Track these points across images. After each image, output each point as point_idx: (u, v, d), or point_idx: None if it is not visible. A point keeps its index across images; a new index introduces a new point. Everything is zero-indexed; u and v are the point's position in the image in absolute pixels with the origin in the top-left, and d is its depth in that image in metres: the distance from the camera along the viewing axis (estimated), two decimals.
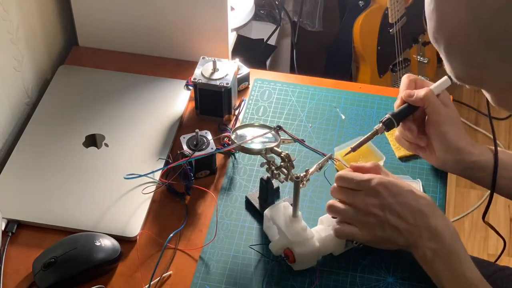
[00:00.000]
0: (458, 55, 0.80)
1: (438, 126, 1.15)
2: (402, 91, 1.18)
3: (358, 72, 2.19)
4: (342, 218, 1.10)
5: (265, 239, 1.16)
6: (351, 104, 1.38)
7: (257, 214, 1.20)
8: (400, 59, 2.20)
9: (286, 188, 1.23)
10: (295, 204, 1.09)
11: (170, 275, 1.12)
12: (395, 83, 2.22)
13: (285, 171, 1.10)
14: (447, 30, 0.79)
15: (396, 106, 1.19)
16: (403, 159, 1.28)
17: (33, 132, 1.31)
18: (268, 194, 1.19)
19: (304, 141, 1.30)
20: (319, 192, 1.23)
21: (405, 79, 1.19)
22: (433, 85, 1.18)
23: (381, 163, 1.24)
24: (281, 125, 1.21)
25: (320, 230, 1.12)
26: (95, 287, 1.09)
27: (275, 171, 1.12)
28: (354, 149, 1.16)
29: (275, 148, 1.12)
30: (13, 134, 1.34)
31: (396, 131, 1.22)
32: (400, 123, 1.18)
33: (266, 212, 1.13)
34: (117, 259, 1.12)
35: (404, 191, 1.07)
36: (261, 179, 1.18)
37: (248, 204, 1.21)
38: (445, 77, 1.16)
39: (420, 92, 1.15)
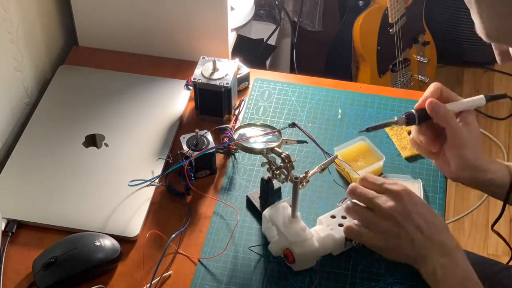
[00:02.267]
0: (486, 3, 0.82)
1: (456, 148, 1.13)
2: (426, 98, 1.13)
3: (358, 72, 2.19)
4: (359, 218, 1.09)
5: (265, 239, 1.16)
6: (351, 104, 1.38)
7: (257, 214, 1.20)
8: (400, 59, 2.20)
9: (286, 188, 1.22)
10: (294, 205, 1.09)
11: (170, 275, 1.12)
12: (395, 83, 2.22)
13: (285, 171, 1.10)
14: None
15: (416, 108, 1.15)
16: (409, 158, 1.28)
17: (33, 132, 1.31)
18: (269, 194, 1.18)
19: (307, 142, 1.28)
20: (319, 192, 1.23)
21: (431, 86, 1.15)
22: (462, 101, 1.14)
23: (381, 163, 1.24)
24: (295, 122, 1.18)
25: (319, 230, 1.12)
26: (95, 287, 1.09)
27: (275, 171, 1.11)
28: (369, 130, 1.14)
29: (276, 149, 1.12)
30: (13, 134, 1.34)
31: (412, 132, 1.19)
32: (417, 126, 1.16)
33: (265, 212, 1.13)
34: (117, 259, 1.12)
35: (422, 204, 1.08)
36: (262, 179, 1.18)
37: (249, 204, 1.21)
38: (481, 95, 1.14)
39: (441, 110, 1.12)
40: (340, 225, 1.12)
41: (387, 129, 1.33)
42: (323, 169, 1.13)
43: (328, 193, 1.23)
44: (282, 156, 1.10)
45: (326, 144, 1.30)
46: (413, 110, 1.14)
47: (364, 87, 1.42)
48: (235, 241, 1.16)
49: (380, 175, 1.24)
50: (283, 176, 1.11)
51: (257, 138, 1.15)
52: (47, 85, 1.40)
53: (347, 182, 1.24)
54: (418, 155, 1.28)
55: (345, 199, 1.16)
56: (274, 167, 1.11)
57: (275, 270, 1.12)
